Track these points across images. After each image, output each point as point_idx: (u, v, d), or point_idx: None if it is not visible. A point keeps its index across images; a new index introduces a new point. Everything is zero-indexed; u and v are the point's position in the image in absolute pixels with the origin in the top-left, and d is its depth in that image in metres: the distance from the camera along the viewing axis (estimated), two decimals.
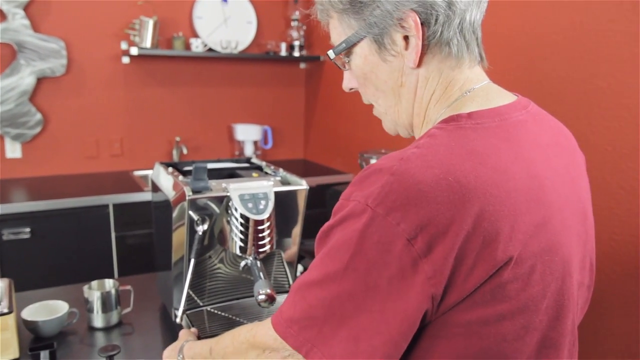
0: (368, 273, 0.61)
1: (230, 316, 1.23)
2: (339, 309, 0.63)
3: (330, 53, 0.76)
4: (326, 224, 0.67)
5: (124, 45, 2.80)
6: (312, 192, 1.49)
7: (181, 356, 0.99)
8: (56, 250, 2.29)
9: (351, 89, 0.82)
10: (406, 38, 0.69)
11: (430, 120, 0.74)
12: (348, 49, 0.75)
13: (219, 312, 1.25)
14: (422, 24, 0.68)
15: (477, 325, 0.63)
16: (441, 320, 0.63)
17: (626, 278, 1.46)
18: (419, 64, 0.71)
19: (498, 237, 0.60)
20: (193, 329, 1.13)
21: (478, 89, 0.73)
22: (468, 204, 0.59)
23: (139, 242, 2.45)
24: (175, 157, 2.99)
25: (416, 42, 0.69)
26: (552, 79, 1.62)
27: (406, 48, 0.70)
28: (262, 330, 0.75)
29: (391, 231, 0.59)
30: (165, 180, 1.26)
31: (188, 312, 1.24)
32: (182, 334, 1.10)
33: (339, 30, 0.75)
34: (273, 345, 0.72)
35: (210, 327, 1.19)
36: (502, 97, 0.73)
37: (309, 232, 1.81)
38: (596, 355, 1.54)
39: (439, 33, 0.69)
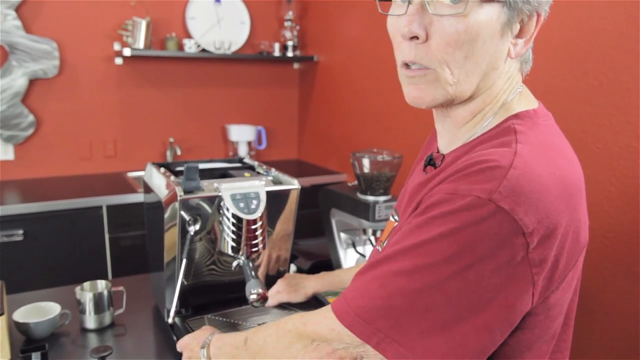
0: (471, 267, 0.60)
1: (232, 321, 1.23)
2: (425, 300, 0.61)
3: None
4: (422, 217, 0.64)
5: (116, 46, 2.79)
6: (306, 192, 1.49)
7: (204, 351, 0.94)
8: (49, 252, 2.29)
9: (412, 37, 0.68)
10: (521, 24, 0.70)
11: (488, 110, 0.73)
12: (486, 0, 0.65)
13: (220, 319, 1.24)
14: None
15: (551, 311, 0.68)
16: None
17: (619, 275, 1.47)
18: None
19: (580, 226, 0.66)
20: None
21: (524, 88, 0.76)
22: (572, 199, 0.64)
23: (132, 244, 2.44)
24: (169, 158, 2.99)
25: (529, 39, 0.71)
26: (544, 77, 1.63)
27: (517, 35, 0.70)
28: (316, 319, 0.72)
29: (511, 225, 0.59)
30: (157, 180, 1.25)
31: (189, 320, 1.23)
32: (206, 328, 1.07)
33: None
34: (328, 335, 0.69)
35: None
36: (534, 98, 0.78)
37: (302, 232, 1.81)
38: (589, 354, 1.54)
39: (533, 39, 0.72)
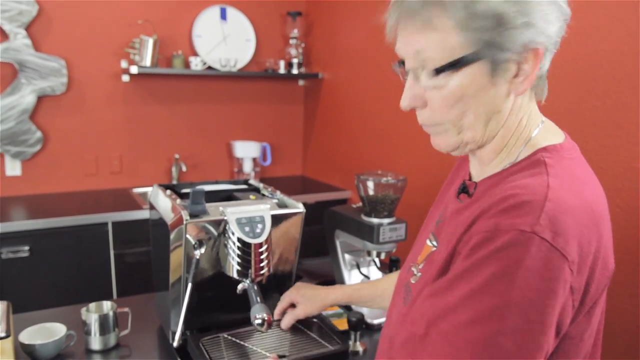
0: (531, 304, 0.61)
1: (247, 345, 1.20)
2: (494, 349, 0.62)
3: (435, 71, 0.69)
4: (469, 261, 0.65)
5: (124, 64, 2.83)
6: (311, 208, 1.49)
7: None
8: (55, 268, 2.30)
9: (411, 108, 0.76)
10: (517, 65, 0.70)
11: (512, 145, 0.76)
12: (458, 68, 0.69)
13: (236, 340, 1.22)
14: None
15: (585, 333, 0.71)
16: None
17: (623, 296, 1.47)
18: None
19: (607, 253, 0.70)
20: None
21: (547, 122, 0.79)
22: (599, 228, 0.68)
23: (138, 260, 2.45)
24: (175, 175, 3.01)
25: (531, 73, 0.70)
26: (547, 98, 1.63)
27: (515, 75, 0.70)
28: None
29: (556, 255, 0.62)
30: (163, 202, 1.27)
31: (204, 339, 1.21)
32: None
33: (447, 44, 0.68)
34: None
35: (228, 355, 1.18)
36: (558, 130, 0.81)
37: (307, 249, 1.81)
38: None
39: (543, 68, 0.73)
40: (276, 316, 1.25)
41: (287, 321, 1.23)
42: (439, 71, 0.69)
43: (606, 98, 1.50)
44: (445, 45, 0.68)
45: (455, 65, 0.68)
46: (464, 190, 0.81)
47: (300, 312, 1.22)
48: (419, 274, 0.83)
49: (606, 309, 1.48)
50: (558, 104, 1.62)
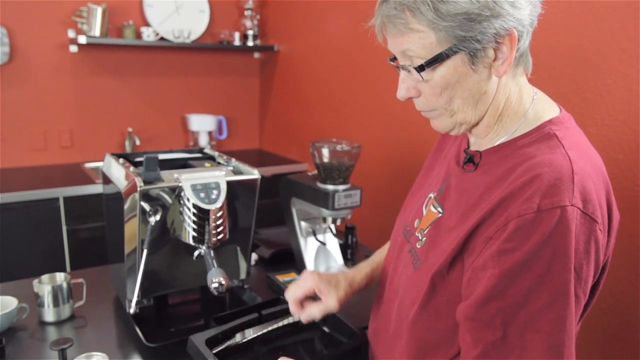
0: (580, 266, 0.69)
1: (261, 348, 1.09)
2: (569, 311, 0.69)
3: (419, 68, 0.76)
4: (523, 249, 0.69)
5: (71, 34, 2.72)
6: (268, 181, 1.50)
7: None
8: (5, 246, 2.23)
9: (408, 98, 0.84)
10: (494, 50, 0.75)
11: (506, 119, 0.82)
12: (439, 62, 0.75)
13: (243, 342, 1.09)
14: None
15: (592, 292, 0.77)
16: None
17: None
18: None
19: (614, 207, 0.77)
20: None
21: (540, 94, 0.85)
22: (608, 187, 0.77)
23: (91, 236, 2.40)
24: (128, 148, 2.94)
25: (509, 55, 0.75)
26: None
27: (495, 59, 0.76)
28: None
29: (588, 220, 0.70)
30: (117, 171, 1.25)
31: (216, 350, 1.05)
32: None
33: (425, 42, 0.74)
34: None
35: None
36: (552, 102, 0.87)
37: (264, 221, 1.82)
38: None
39: (522, 47, 0.77)
40: (295, 311, 1.04)
41: (315, 314, 1.01)
42: (422, 67, 0.76)
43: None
44: (424, 44, 0.75)
45: (435, 61, 0.75)
46: (470, 160, 0.86)
47: (333, 303, 1.00)
48: (425, 238, 0.88)
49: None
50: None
